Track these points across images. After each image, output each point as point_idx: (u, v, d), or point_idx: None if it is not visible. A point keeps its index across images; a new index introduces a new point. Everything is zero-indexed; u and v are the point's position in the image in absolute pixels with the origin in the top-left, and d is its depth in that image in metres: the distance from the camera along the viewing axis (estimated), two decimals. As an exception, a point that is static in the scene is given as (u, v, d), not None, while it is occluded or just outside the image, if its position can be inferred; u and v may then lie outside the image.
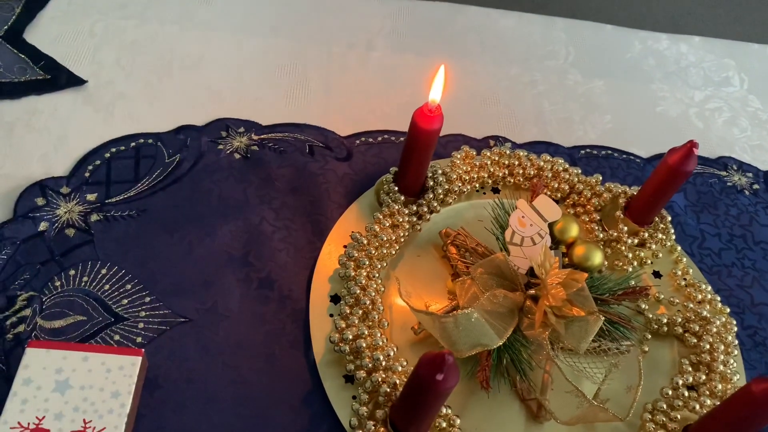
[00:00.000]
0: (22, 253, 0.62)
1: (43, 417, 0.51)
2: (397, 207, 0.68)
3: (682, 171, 0.65)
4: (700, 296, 0.69)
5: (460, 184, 0.72)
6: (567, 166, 0.75)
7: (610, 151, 0.84)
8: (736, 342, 0.66)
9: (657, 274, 0.72)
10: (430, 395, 0.48)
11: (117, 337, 0.59)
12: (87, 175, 0.69)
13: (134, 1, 0.87)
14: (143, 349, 0.56)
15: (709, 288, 0.70)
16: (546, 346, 0.59)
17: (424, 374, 0.46)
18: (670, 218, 0.73)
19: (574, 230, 0.67)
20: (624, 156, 0.84)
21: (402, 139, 0.80)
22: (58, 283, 0.61)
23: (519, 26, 0.98)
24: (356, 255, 0.64)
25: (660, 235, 0.72)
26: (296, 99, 0.82)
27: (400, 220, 0.68)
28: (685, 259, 0.73)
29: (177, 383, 0.58)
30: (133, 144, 0.73)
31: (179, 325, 0.61)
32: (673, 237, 0.73)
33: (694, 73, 0.98)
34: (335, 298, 0.64)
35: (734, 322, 0.67)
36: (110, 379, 0.54)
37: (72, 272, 0.62)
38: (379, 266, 0.65)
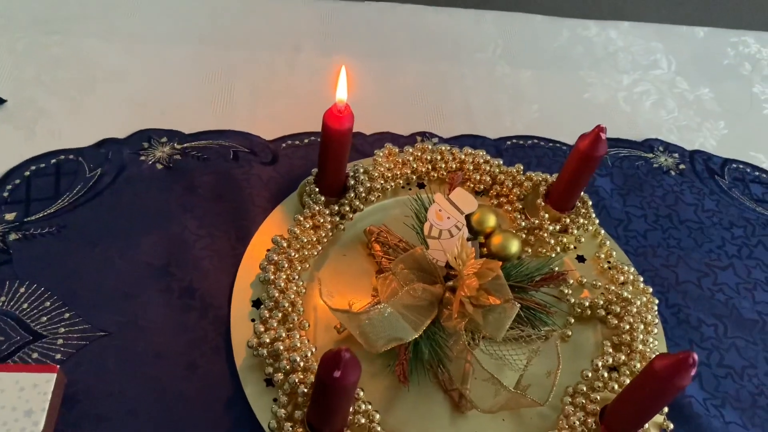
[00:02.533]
0: (-63, 278, 0.62)
1: (-46, 440, 0.51)
2: (318, 208, 0.68)
3: (592, 156, 0.66)
4: (622, 278, 0.70)
5: (382, 182, 0.73)
6: (488, 158, 0.76)
7: (536, 140, 0.85)
8: (657, 321, 0.68)
9: (581, 259, 0.73)
10: (333, 393, 0.48)
11: (35, 355, 0.59)
12: (6, 194, 0.69)
13: (57, 17, 0.87)
14: (58, 366, 0.56)
15: (632, 269, 0.71)
16: (463, 336, 0.60)
17: (324, 373, 0.47)
18: (591, 203, 0.74)
19: (491, 221, 0.68)
20: (550, 144, 0.85)
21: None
22: (-26, 306, 0.61)
23: (449, 22, 0.99)
24: (276, 258, 0.64)
25: (582, 220, 0.73)
26: (222, 106, 0.82)
27: (321, 220, 0.68)
28: (608, 243, 0.74)
29: (97, 398, 0.58)
30: (53, 161, 0.73)
31: (99, 339, 0.61)
32: (596, 221, 0.74)
33: (623, 57, 1.00)
34: (257, 303, 0.64)
35: (656, 301, 0.69)
36: (23, 397, 0.53)
37: (-11, 293, 0.62)
38: (300, 268, 0.66)
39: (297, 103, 0.85)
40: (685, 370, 0.49)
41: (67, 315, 0.62)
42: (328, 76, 0.88)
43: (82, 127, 0.76)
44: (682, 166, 0.86)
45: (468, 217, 0.67)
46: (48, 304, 0.62)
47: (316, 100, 0.85)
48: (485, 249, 0.67)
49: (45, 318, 0.61)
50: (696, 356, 0.49)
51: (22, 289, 0.63)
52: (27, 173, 0.71)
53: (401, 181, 0.75)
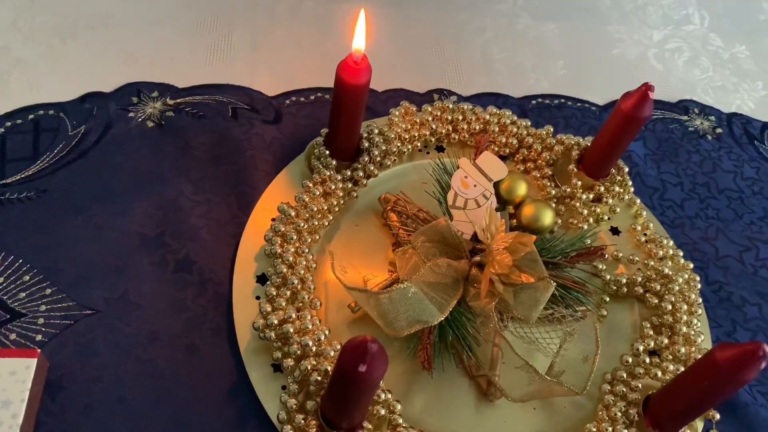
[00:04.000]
0: None
1: None
2: (328, 173, 0.61)
3: (637, 117, 0.59)
4: (661, 252, 0.64)
5: (399, 144, 0.65)
6: (515, 118, 0.69)
7: (563, 100, 0.78)
8: (700, 300, 0.62)
9: (615, 231, 0.67)
10: (356, 387, 0.42)
11: (13, 336, 0.53)
12: (-22, 154, 0.62)
13: (32, -44, 0.78)
14: (40, 350, 0.50)
15: (671, 243, 0.65)
16: (493, 317, 0.54)
17: (347, 364, 0.41)
18: (627, 169, 0.67)
19: (522, 189, 0.61)
20: (578, 104, 0.78)
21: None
22: (-57, 279, 0.54)
23: (465, -32, 0.91)
24: (283, 229, 0.57)
25: (617, 189, 0.66)
26: (218, 57, 0.75)
27: (333, 187, 0.61)
28: (645, 213, 0.68)
29: (84, 384, 0.51)
30: (31, 116, 0.65)
31: (85, 318, 0.54)
32: (632, 190, 0.68)
33: (653, 11, 0.92)
34: (262, 279, 0.57)
35: (698, 279, 0.63)
36: (0, 386, 0.47)
37: (-40, 265, 0.55)
38: (310, 240, 0.59)
39: (302, 55, 0.77)
40: (752, 363, 0.44)
41: (48, 291, 0.55)
42: (336, 25, 0.80)
43: (63, 80, 0.68)
44: (719, 130, 0.80)
45: (496, 185, 0.60)
46: (27, 278, 0.55)
47: (322, 52, 0.78)
48: (515, 220, 0.61)
49: (23, 294, 0.54)
50: (766, 348, 0.43)
51: (-3, 262, 0.56)
52: (1, 130, 0.63)
53: (419, 144, 0.68)
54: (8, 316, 0.53)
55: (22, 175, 0.61)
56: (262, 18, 0.79)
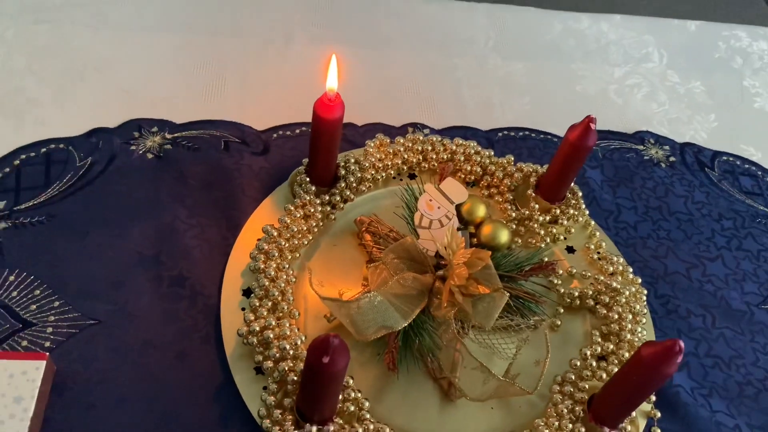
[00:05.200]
0: (-75, 266, 0.62)
1: (-58, 427, 0.51)
2: (308, 197, 0.68)
3: (582, 146, 0.66)
4: (611, 268, 0.71)
5: (373, 172, 0.73)
6: (479, 148, 0.76)
7: (527, 132, 0.86)
8: (646, 311, 0.68)
9: (571, 250, 0.73)
10: (322, 378, 0.49)
11: (25, 343, 0.59)
12: (-6, 183, 0.69)
13: (46, 6, 0.87)
14: (48, 354, 0.56)
15: (622, 260, 0.72)
16: (452, 324, 0.60)
17: (313, 358, 0.47)
18: (581, 194, 0.74)
19: (481, 210, 0.68)
20: (541, 136, 0.85)
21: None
22: (-37, 294, 0.61)
23: (440, 13, 0.99)
24: (266, 247, 0.64)
25: (572, 211, 0.73)
26: (213, 96, 0.82)
27: (312, 210, 0.68)
28: (598, 234, 0.74)
29: (86, 385, 0.58)
30: (43, 150, 0.72)
31: (89, 327, 0.61)
32: (586, 212, 0.74)
33: (614, 50, 1.00)
34: (247, 292, 0.64)
35: (644, 292, 0.69)
36: (13, 384, 0.53)
37: (-22, 282, 0.62)
38: (290, 257, 0.66)
39: (288, 94, 0.85)
40: (671, 357, 0.50)
41: (56, 303, 0.62)
42: (319, 67, 0.88)
43: (71, 117, 0.76)
44: (672, 159, 0.87)
45: (458, 207, 0.67)
46: (38, 292, 0.62)
47: (307, 90, 0.84)
48: (475, 239, 0.67)
49: (34, 306, 0.61)
50: (682, 344, 0.50)
51: (12, 278, 0.62)
52: (16, 162, 0.71)
53: (392, 172, 0.75)
54: (20, 326, 0.60)
55: (35, 202, 0.68)
56: (251, 59, 0.87)
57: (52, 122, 0.75)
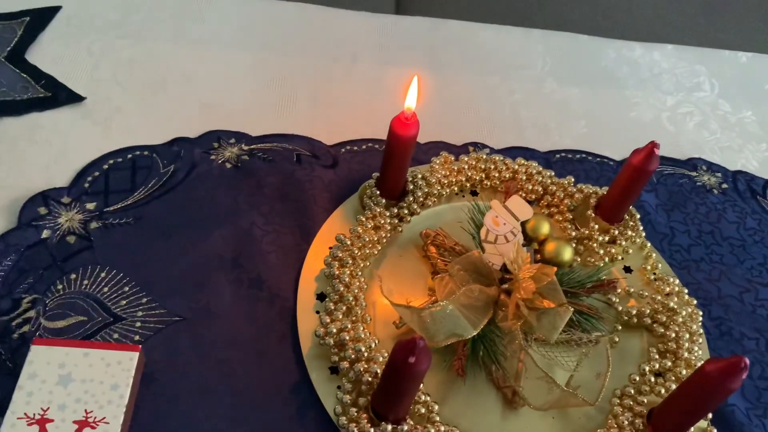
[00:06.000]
0: (26, 260, 0.66)
1: (48, 408, 0.55)
2: (378, 210, 0.72)
3: (645, 170, 0.69)
4: (668, 289, 0.73)
5: (439, 188, 0.76)
6: (540, 168, 0.79)
7: (584, 155, 0.89)
8: (701, 331, 0.70)
9: (628, 269, 0.76)
10: (405, 378, 0.52)
11: (116, 336, 0.63)
12: (86, 185, 0.74)
13: (129, 21, 0.92)
14: (140, 345, 0.60)
15: (677, 281, 0.74)
16: (518, 336, 0.63)
17: (398, 358, 0.50)
18: (639, 216, 0.77)
19: (545, 228, 0.71)
20: (597, 159, 0.88)
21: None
22: (60, 287, 0.65)
23: (498, 38, 1.03)
24: (340, 255, 0.68)
25: (630, 232, 0.76)
26: (285, 111, 0.87)
27: (382, 222, 0.72)
28: (654, 255, 0.77)
29: (172, 377, 0.61)
30: (129, 156, 0.77)
31: (174, 323, 0.65)
32: (643, 234, 0.77)
33: (667, 79, 1.03)
34: (321, 296, 0.68)
35: (700, 313, 0.71)
36: (109, 372, 0.57)
37: (73, 276, 0.66)
38: (362, 265, 0.69)
39: (355, 111, 0.89)
40: (736, 373, 0.52)
41: (144, 300, 0.66)
42: (383, 85, 0.92)
43: (155, 126, 0.81)
44: (724, 186, 0.89)
45: (523, 224, 0.70)
46: (127, 289, 0.66)
47: (372, 108, 0.89)
48: (539, 255, 0.70)
49: (124, 302, 0.65)
50: (747, 360, 0.52)
51: (103, 274, 0.67)
52: (105, 167, 0.76)
53: (456, 188, 0.79)
54: (111, 320, 0.64)
55: (122, 204, 0.73)
56: (320, 77, 0.92)
57: (137, 130, 0.80)
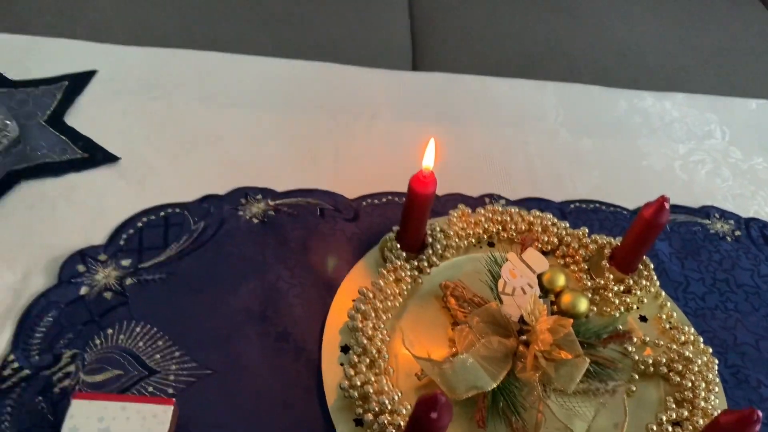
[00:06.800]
0: (65, 316, 0.70)
1: (88, 461, 0.58)
2: (399, 263, 0.75)
3: (656, 223, 0.72)
4: (683, 338, 0.75)
5: (457, 240, 0.79)
6: (555, 220, 0.82)
7: (598, 204, 0.91)
8: (718, 380, 0.72)
9: (643, 318, 0.78)
10: (428, 432, 0.54)
11: (150, 389, 0.66)
12: (122, 243, 0.77)
13: (160, 84, 0.97)
14: (174, 399, 0.63)
15: (692, 330, 0.76)
16: (537, 387, 0.65)
17: (421, 414, 0.52)
18: (653, 266, 0.79)
19: (561, 280, 0.73)
20: (611, 209, 0.91)
21: (405, 199, 0.87)
22: (98, 342, 0.69)
23: (511, 91, 1.07)
24: (363, 308, 0.71)
25: (644, 282, 0.78)
26: (308, 166, 0.91)
27: (403, 274, 0.75)
28: (669, 304, 0.79)
29: (205, 429, 0.64)
30: (162, 213, 0.81)
31: (206, 376, 0.68)
32: (657, 283, 0.79)
33: (678, 128, 1.06)
34: (345, 348, 0.70)
35: (716, 361, 0.73)
36: (146, 426, 0.60)
37: (110, 331, 0.70)
38: (385, 317, 0.72)
39: (374, 165, 0.92)
40: (749, 425, 0.54)
41: (177, 353, 0.69)
42: (402, 140, 0.96)
43: (186, 184, 0.85)
44: (737, 233, 0.91)
45: (539, 276, 0.73)
46: (161, 343, 0.70)
47: (391, 162, 0.93)
48: (555, 306, 0.72)
49: (158, 355, 0.69)
50: (760, 413, 0.53)
51: (138, 329, 0.70)
52: (140, 224, 0.80)
53: (473, 240, 0.81)
54: (146, 373, 0.67)
55: (156, 261, 0.76)
56: (342, 134, 0.96)
57: (169, 189, 0.84)
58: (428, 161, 0.70)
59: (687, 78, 1.35)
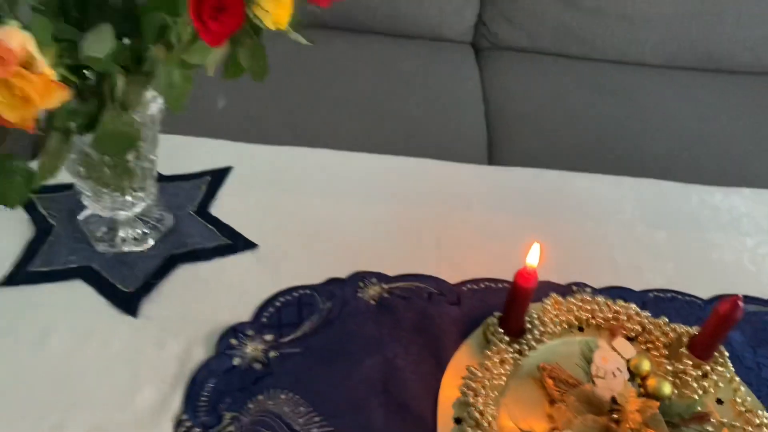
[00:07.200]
0: (224, 383, 0.84)
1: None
2: (503, 346, 0.87)
3: (730, 319, 0.82)
4: (757, 420, 0.84)
5: (552, 326, 0.91)
6: (638, 310, 0.93)
7: (674, 294, 1.02)
8: (792, 461, 0.80)
9: (720, 401, 0.87)
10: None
11: (296, 449, 0.79)
12: (264, 320, 0.92)
13: (286, 179, 1.13)
14: (320, 458, 0.75)
15: (765, 414, 0.84)
16: (629, 461, 0.75)
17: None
18: (728, 354, 0.89)
19: (646, 365, 0.84)
20: (687, 298, 1.01)
21: (500, 285, 1.00)
22: (251, 406, 0.82)
23: (591, 186, 1.19)
24: (473, 385, 0.83)
25: (720, 368, 0.87)
26: (414, 253, 1.04)
27: (506, 356, 0.86)
28: (743, 388, 0.88)
29: (342, 485, 0.76)
30: (296, 294, 0.95)
31: (342, 440, 0.80)
32: (732, 369, 0.88)
33: (746, 222, 1.16)
34: (458, 420, 0.82)
35: (789, 444, 0.81)
36: (299, 480, 0.73)
37: (260, 397, 0.83)
38: (492, 394, 0.84)
39: (472, 253, 1.05)
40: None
41: (317, 419, 0.82)
42: (494, 230, 1.09)
43: (314, 268, 0.99)
44: (806, 322, 1.00)
45: (627, 362, 0.83)
46: (302, 408, 0.82)
47: (486, 250, 1.06)
48: (642, 389, 0.83)
49: (301, 420, 0.81)
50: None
51: (283, 396, 0.83)
52: (278, 304, 0.94)
53: (566, 325, 0.93)
54: (292, 435, 0.80)
55: (293, 336, 0.90)
56: (441, 224, 1.09)
57: (301, 272, 0.99)
58: (532, 261, 0.83)
59: (754, 171, 1.45)
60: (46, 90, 0.59)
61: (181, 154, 1.15)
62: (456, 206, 1.13)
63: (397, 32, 2.04)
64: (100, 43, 0.68)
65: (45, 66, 0.59)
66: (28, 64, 0.58)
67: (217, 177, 1.12)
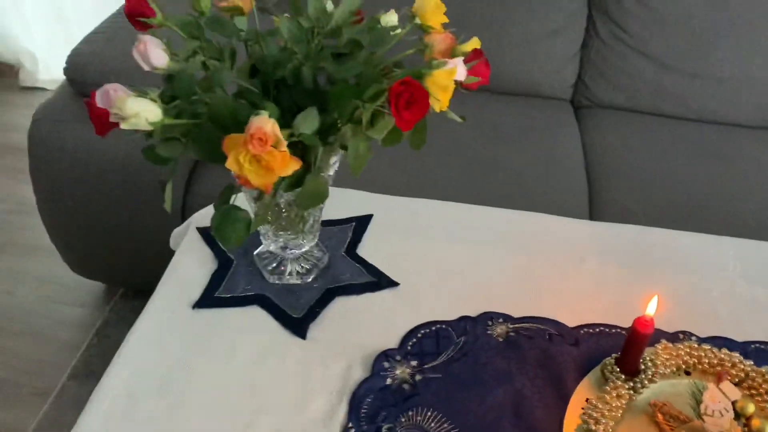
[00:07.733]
0: (379, 399, 1.00)
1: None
2: (620, 383, 1.00)
3: (832, 371, 0.92)
4: None
5: (663, 369, 1.03)
6: (742, 359, 1.04)
7: (774, 346, 1.12)
8: None
9: (819, 446, 0.97)
10: None
11: (441, 459, 0.94)
12: (409, 347, 1.08)
13: (417, 225, 1.30)
14: (466, 467, 0.90)
15: None
16: (736, 490, 0.87)
17: None
18: (826, 403, 0.99)
19: (750, 407, 0.95)
20: (787, 351, 1.11)
21: (614, 330, 1.12)
22: (403, 419, 0.98)
23: (695, 243, 1.31)
24: (594, 414, 0.96)
25: (819, 415, 0.97)
26: (535, 296, 1.18)
27: (622, 392, 0.99)
28: (841, 436, 0.97)
29: (483, 492, 0.91)
30: (434, 328, 1.11)
31: (479, 454, 0.95)
32: (830, 416, 0.98)
33: (842, 282, 1.24)
34: (581, 445, 0.95)
35: None
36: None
37: (410, 413, 0.99)
38: (610, 423, 0.96)
39: (587, 299, 1.19)
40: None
41: (458, 434, 0.97)
42: (606, 280, 1.22)
43: (448, 305, 1.15)
44: None
45: (733, 403, 0.95)
46: (446, 425, 0.98)
47: (600, 298, 1.19)
48: (747, 428, 0.94)
49: (445, 435, 0.97)
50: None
51: (429, 413, 0.99)
52: (419, 335, 1.10)
53: (674, 368, 1.05)
54: (439, 446, 0.95)
55: (434, 363, 1.06)
56: (559, 273, 1.23)
57: (436, 308, 1.15)
58: (651, 310, 0.96)
59: None
60: (284, 162, 0.78)
61: (331, 203, 1.34)
62: (571, 257, 1.27)
63: (500, 90, 2.21)
64: (308, 122, 0.88)
65: (284, 144, 0.78)
66: (275, 143, 0.77)
67: (361, 223, 1.30)
